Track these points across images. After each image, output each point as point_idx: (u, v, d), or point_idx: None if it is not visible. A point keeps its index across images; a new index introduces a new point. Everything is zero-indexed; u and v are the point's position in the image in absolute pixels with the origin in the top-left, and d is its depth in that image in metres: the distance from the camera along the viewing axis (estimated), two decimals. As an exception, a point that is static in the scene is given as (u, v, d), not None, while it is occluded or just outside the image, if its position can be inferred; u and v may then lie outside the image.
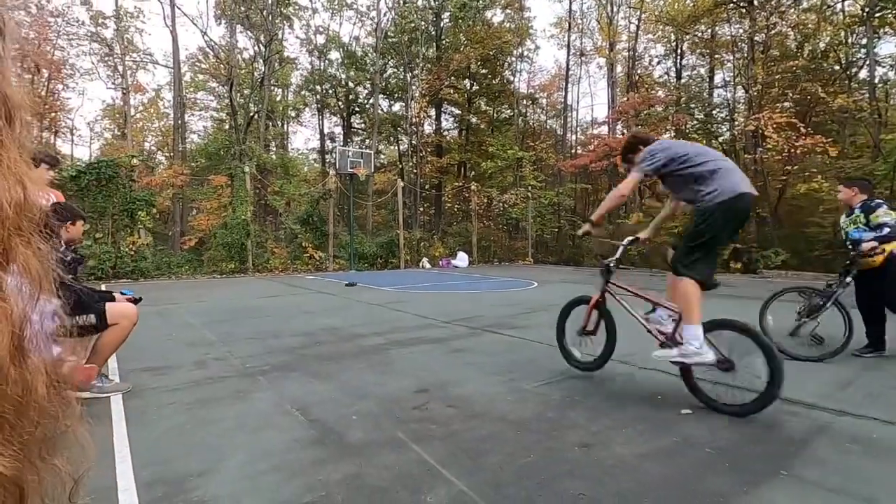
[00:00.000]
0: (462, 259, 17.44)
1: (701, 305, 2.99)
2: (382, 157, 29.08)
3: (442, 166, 24.25)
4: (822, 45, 18.46)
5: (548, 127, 28.35)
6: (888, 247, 4.05)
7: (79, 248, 3.23)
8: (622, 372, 3.76)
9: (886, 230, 4.04)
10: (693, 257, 3.07)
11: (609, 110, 22.28)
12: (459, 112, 26.09)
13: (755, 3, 16.22)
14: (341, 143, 25.90)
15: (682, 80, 22.45)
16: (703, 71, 22.51)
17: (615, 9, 22.75)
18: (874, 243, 4.07)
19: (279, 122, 26.63)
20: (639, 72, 23.28)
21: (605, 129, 23.75)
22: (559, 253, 21.06)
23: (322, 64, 26.42)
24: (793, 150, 14.65)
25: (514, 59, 25.34)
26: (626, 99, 20.13)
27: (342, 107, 27.32)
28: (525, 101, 26.65)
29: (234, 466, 2.25)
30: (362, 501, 1.96)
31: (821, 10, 17.69)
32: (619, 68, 23.90)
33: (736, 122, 18.73)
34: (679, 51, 22.84)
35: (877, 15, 15.34)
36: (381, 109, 25.19)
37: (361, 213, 21.90)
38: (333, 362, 4.12)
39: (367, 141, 25.58)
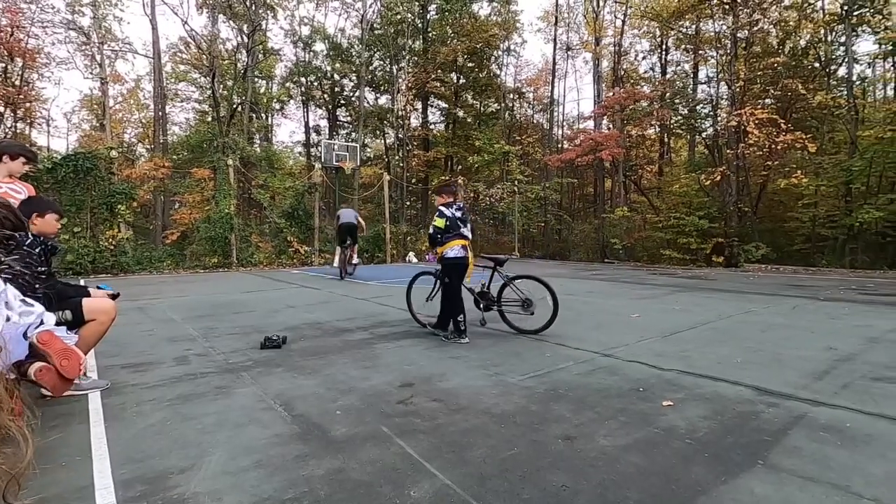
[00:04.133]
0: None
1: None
2: (368, 150, 28.89)
3: (429, 160, 24.17)
4: (802, 42, 18.77)
5: (534, 121, 28.42)
6: (440, 249, 4.72)
7: (52, 240, 3.13)
8: (606, 365, 3.80)
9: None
10: (337, 244, 10.89)
11: (595, 105, 22.42)
12: (446, 105, 25.98)
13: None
14: (327, 136, 25.67)
15: (667, 76, 22.66)
16: (687, 67, 22.72)
17: (601, 3, 22.82)
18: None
19: (263, 115, 26.27)
20: (624, 67, 23.43)
21: (591, 124, 23.90)
22: (545, 247, 21.19)
23: (307, 55, 26.09)
24: (773, 146, 14.90)
25: (500, 52, 25.30)
26: (611, 94, 20.24)
27: (327, 99, 27.05)
28: (512, 95, 26.65)
29: (215, 463, 2.23)
30: (345, 497, 1.95)
31: (801, 8, 17.96)
32: (605, 63, 24.03)
33: (719, 118, 18.96)
34: (664, 46, 23.04)
35: (855, 13, 15.63)
36: (367, 102, 24.98)
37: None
38: (318, 357, 4.10)
39: (353, 134, 25.38)
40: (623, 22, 22.64)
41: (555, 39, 24.68)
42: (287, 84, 26.60)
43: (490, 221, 22.23)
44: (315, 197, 15.93)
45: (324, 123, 28.57)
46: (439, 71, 22.98)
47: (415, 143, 24.56)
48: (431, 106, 26.54)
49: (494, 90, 25.18)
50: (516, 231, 20.11)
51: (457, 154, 24.32)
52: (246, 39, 19.81)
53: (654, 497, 1.92)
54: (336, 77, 26.31)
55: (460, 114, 25.88)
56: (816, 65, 18.25)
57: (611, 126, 20.96)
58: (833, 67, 18.27)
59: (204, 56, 20.89)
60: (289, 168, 25.52)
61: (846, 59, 16.72)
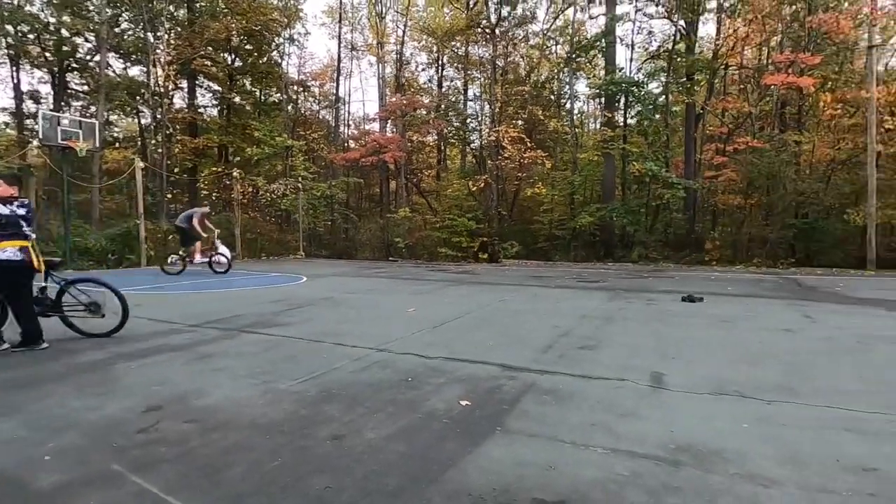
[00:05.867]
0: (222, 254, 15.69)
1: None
2: (116, 130, 23.92)
3: (197, 148, 21.28)
4: (542, 77, 22.98)
5: (320, 117, 27.83)
6: None
7: None
8: (380, 359, 3.94)
9: None
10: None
11: (379, 108, 23.18)
12: (219, 89, 23.32)
13: (497, 32, 19.12)
14: (51, 107, 20.24)
15: (443, 89, 24.92)
16: (459, 84, 25.40)
17: (384, 10, 23.69)
18: None
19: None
20: (406, 75, 24.84)
21: (376, 126, 24.61)
22: (332, 246, 21.01)
23: (16, -2, 19.99)
24: (522, 161, 17.85)
25: (283, 40, 23.95)
26: (394, 99, 21.23)
27: (51, 59, 21.28)
28: (296, 87, 25.52)
29: None
30: (46, 564, 1.54)
31: (542, 49, 21.99)
32: (388, 69, 25.04)
33: (483, 133, 21.80)
34: (440, 62, 25.24)
35: (576, 59, 19.86)
36: (112, 71, 20.61)
37: (84, 199, 17.56)
38: (21, 391, 3.18)
39: (92, 108, 20.61)
40: (404, 32, 23.98)
41: (339, 37, 24.64)
42: (-18, 30, 19.91)
43: (272, 219, 20.88)
44: (31, 183, 12.37)
45: (47, 90, 22.40)
46: (209, 48, 20.43)
47: (179, 128, 21.32)
48: (201, 87, 23.44)
49: (276, 79, 23.70)
50: (301, 229, 19.39)
51: (233, 144, 22.06)
52: None
53: (412, 479, 2.06)
54: (65, 33, 20.86)
55: (237, 100, 23.56)
56: (552, 97, 22.59)
57: (394, 130, 22.00)
58: (562, 101, 22.92)
59: None
60: (-14, 142, 19.25)
61: (570, 96, 21.18)
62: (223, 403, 2.95)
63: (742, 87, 18.81)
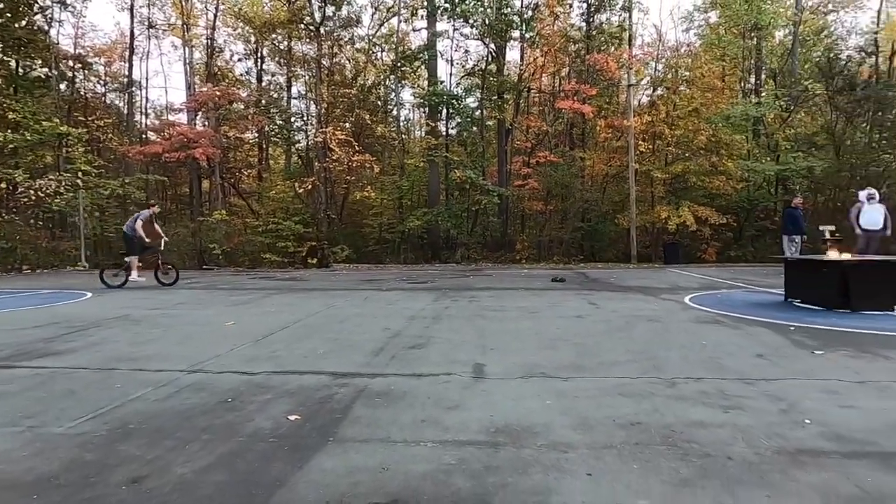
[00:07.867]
0: None
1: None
2: None
3: (-86, 128, 15.94)
4: (369, 81, 23.16)
5: (107, 102, 23.45)
6: None
7: None
8: (192, 382, 3.49)
9: None
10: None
11: (187, 97, 20.55)
12: (-50, 53, 17.83)
13: (321, 31, 18.63)
14: None
15: (263, 84, 23.26)
16: (281, 80, 24.00)
17: (190, -12, 21.08)
18: None
19: None
20: (219, 63, 22.52)
21: (183, 117, 21.74)
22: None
23: None
24: (350, 164, 17.74)
25: (51, 3, 19.51)
26: (205, 89, 19.05)
27: None
28: (71, 63, 21.02)
29: None
30: None
31: (368, 53, 22.16)
32: (197, 54, 22.37)
33: (309, 133, 21.01)
34: (260, 54, 23.51)
35: (400, 68, 20.53)
36: None
37: None
38: None
39: None
40: (216, 16, 21.69)
41: (132, 9, 21.13)
42: None
43: (39, 223, 16.80)
44: None
45: None
46: (-68, -1, 15.50)
47: None
48: (-82, 47, 17.61)
49: (41, 50, 19.14)
50: (83, 236, 16.04)
51: (-25, 126, 17.11)
52: None
53: (233, 510, 1.88)
54: None
55: (-20, 70, 18.31)
56: (379, 103, 22.93)
57: (206, 123, 19.73)
58: (389, 107, 23.44)
59: None
60: None
61: (396, 103, 21.80)
62: (-37, 464, 2.26)
63: (541, 108, 21.79)
